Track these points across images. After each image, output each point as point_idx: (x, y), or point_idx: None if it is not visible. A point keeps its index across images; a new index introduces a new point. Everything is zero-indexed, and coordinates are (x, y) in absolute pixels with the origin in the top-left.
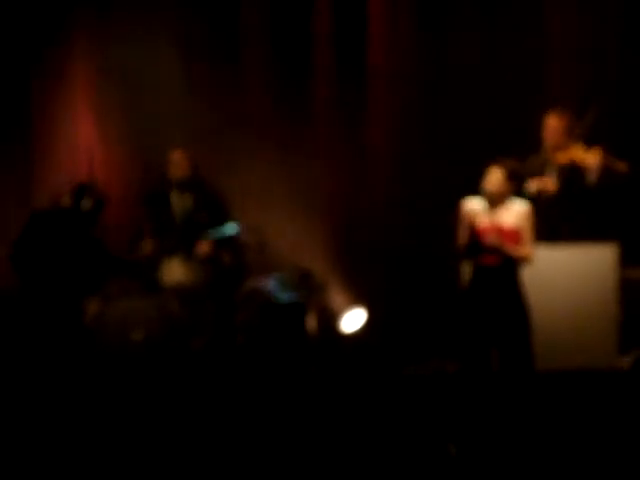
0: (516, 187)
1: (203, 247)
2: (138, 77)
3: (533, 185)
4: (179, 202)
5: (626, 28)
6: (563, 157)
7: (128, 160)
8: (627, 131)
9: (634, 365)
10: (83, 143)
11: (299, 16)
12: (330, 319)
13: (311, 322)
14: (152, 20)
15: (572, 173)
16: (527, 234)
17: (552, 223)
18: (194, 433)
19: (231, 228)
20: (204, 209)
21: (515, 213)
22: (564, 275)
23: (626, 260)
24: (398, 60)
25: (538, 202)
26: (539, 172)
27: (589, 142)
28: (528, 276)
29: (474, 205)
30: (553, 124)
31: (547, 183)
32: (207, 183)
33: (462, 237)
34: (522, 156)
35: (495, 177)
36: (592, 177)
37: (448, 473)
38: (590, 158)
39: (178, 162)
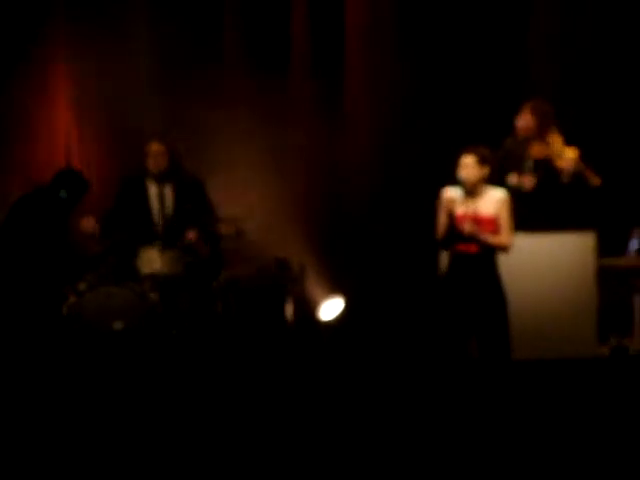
0: (490, 172)
1: (190, 234)
2: (115, 63)
3: (513, 179)
4: (157, 194)
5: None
6: (538, 152)
7: (106, 146)
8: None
9: (612, 353)
10: (61, 127)
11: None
12: (308, 307)
13: (289, 311)
14: (130, 11)
15: (547, 170)
16: (505, 222)
17: (530, 212)
18: (175, 421)
19: None
20: (187, 199)
21: (493, 201)
22: (543, 263)
23: (601, 251)
24: (377, 51)
25: (518, 193)
26: (518, 164)
27: (569, 139)
28: (507, 265)
29: (453, 194)
30: (525, 119)
31: (526, 180)
32: (187, 171)
33: (441, 226)
34: (497, 141)
35: (466, 164)
36: (565, 179)
37: (427, 460)
38: (565, 161)
39: (156, 154)
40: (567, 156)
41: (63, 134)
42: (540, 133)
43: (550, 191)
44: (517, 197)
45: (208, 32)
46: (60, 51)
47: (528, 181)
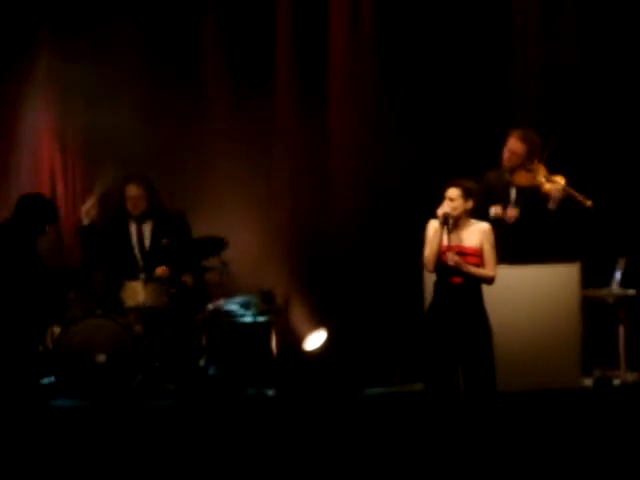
0: (474, 205)
1: (159, 270)
2: (99, 90)
3: (494, 210)
4: (136, 232)
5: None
6: (524, 179)
7: (90, 172)
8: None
9: (597, 385)
10: (45, 155)
11: (259, 27)
12: (293, 339)
13: (274, 342)
14: (114, 39)
15: (533, 198)
16: (488, 254)
17: (513, 245)
18: (157, 454)
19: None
20: (166, 234)
21: (476, 233)
22: (528, 295)
23: (585, 282)
24: (360, 75)
25: (499, 225)
26: (501, 195)
27: (553, 169)
28: (492, 296)
29: (438, 225)
30: (514, 146)
31: (508, 212)
32: (167, 207)
33: (428, 256)
34: (481, 171)
35: (452, 196)
36: (553, 205)
37: None
38: (552, 188)
39: (134, 198)
40: (556, 182)
41: (47, 161)
42: (526, 162)
43: (535, 220)
44: (501, 229)
45: (191, 63)
46: (44, 77)
47: (510, 213)
